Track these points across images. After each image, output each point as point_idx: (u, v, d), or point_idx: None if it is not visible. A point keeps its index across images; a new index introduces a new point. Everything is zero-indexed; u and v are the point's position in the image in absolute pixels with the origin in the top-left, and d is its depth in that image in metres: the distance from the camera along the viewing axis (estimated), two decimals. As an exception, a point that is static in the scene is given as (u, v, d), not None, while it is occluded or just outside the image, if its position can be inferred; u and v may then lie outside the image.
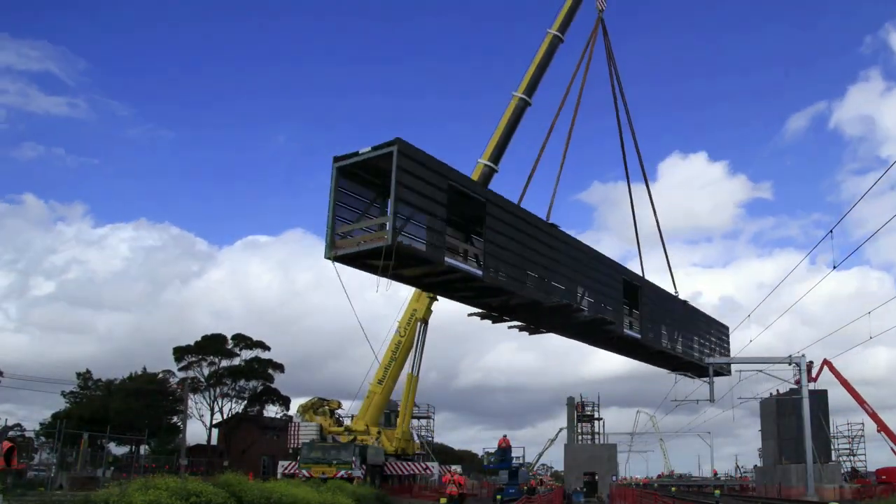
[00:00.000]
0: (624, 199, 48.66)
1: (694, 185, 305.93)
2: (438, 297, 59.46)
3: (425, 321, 60.08)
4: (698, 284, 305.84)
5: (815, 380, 68.19)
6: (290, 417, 72.89)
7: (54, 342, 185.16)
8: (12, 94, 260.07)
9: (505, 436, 59.05)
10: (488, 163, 53.76)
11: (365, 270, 29.93)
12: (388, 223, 28.20)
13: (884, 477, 62.22)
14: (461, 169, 30.14)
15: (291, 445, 60.33)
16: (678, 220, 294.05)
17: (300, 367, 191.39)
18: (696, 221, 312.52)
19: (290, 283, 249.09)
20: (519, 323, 40.55)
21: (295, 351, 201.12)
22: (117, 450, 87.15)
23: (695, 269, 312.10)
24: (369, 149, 29.29)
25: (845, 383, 68.49)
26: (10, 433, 37.01)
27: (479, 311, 36.75)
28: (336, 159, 29.44)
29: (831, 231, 30.32)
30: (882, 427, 67.27)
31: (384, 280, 30.27)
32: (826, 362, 68.92)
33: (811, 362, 68.00)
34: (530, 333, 42.29)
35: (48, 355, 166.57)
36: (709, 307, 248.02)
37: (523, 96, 53.88)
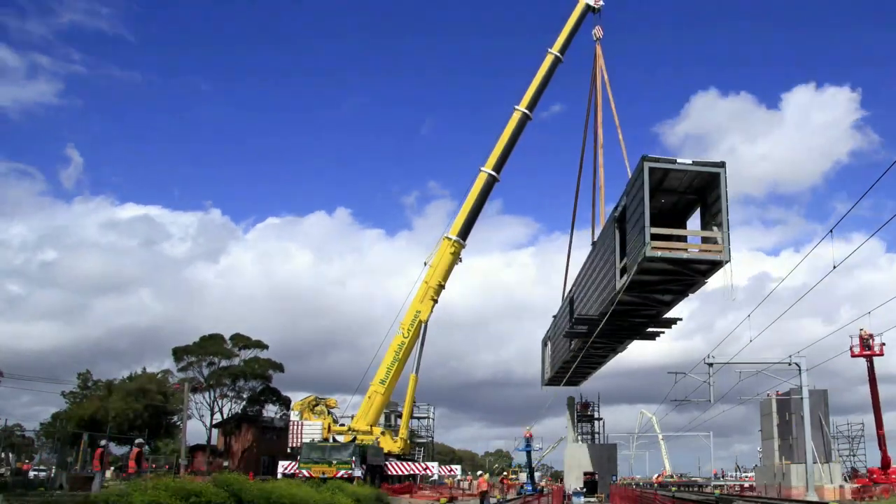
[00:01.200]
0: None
1: (813, 129, 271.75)
2: (438, 300, 60.46)
3: (426, 322, 60.47)
4: (777, 267, 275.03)
5: (880, 353, 65.58)
6: (289, 417, 73.03)
7: (55, 329, 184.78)
8: (78, 63, 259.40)
9: (529, 429, 77.16)
10: (491, 171, 58.72)
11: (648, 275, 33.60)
12: (720, 238, 30.99)
13: (894, 477, 62.00)
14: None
15: (293, 444, 60.41)
16: (777, 171, 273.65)
17: (312, 355, 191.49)
18: (785, 175, 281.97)
19: (311, 268, 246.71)
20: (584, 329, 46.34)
21: (307, 339, 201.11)
22: (117, 450, 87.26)
23: (759, 254, 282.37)
24: (690, 162, 31.53)
25: (873, 380, 66.76)
26: (138, 440, 37.70)
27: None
28: (647, 159, 30.99)
29: (831, 231, 29.95)
30: (880, 427, 66.52)
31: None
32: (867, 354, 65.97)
33: (871, 335, 65.00)
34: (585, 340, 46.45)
35: (52, 342, 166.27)
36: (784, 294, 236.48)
37: (525, 110, 59.14)
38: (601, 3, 59.59)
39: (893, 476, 61.44)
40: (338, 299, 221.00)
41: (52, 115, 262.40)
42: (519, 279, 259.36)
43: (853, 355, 63.86)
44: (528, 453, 76.97)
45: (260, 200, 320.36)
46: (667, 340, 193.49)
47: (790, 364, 57.15)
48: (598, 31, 57.24)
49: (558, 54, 60.21)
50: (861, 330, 64.41)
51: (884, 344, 64.38)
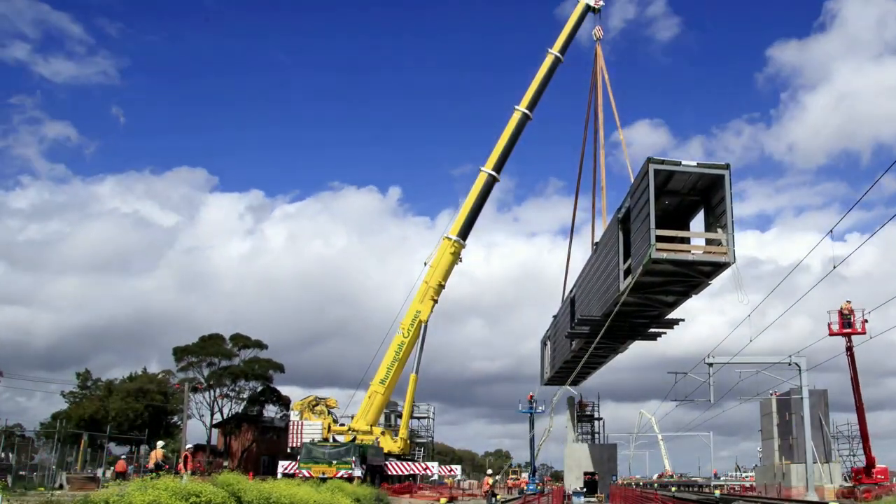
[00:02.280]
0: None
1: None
2: (438, 299, 60.56)
3: (426, 322, 60.57)
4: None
5: (862, 331, 56.93)
6: (289, 417, 73.12)
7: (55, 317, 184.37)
8: (149, 33, 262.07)
9: (531, 394, 78.20)
10: (491, 171, 59.95)
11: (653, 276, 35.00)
12: (724, 241, 31.77)
13: (881, 477, 60.87)
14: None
15: (293, 444, 60.44)
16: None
17: (323, 346, 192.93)
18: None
19: (341, 253, 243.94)
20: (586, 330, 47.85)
21: (321, 329, 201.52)
22: (117, 450, 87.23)
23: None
24: (695, 164, 32.60)
25: (852, 362, 61.03)
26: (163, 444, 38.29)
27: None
28: (652, 161, 31.87)
29: (831, 231, 29.71)
30: (862, 426, 64.27)
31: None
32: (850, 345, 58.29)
33: (852, 310, 57.15)
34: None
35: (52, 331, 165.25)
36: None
37: (525, 111, 59.84)
38: (601, 3, 60.06)
39: (879, 477, 60.15)
40: (361, 288, 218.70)
41: (112, 92, 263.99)
42: (559, 267, 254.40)
43: (831, 333, 57.43)
44: (531, 417, 77.49)
45: (304, 177, 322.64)
46: (716, 329, 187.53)
47: (790, 364, 57.14)
48: (598, 31, 57.81)
49: (558, 54, 60.73)
50: (846, 303, 58.20)
51: (866, 321, 57.13)
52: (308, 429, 59.97)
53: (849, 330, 57.33)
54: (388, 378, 60.06)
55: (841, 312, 57.73)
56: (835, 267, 29.48)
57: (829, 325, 57.64)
